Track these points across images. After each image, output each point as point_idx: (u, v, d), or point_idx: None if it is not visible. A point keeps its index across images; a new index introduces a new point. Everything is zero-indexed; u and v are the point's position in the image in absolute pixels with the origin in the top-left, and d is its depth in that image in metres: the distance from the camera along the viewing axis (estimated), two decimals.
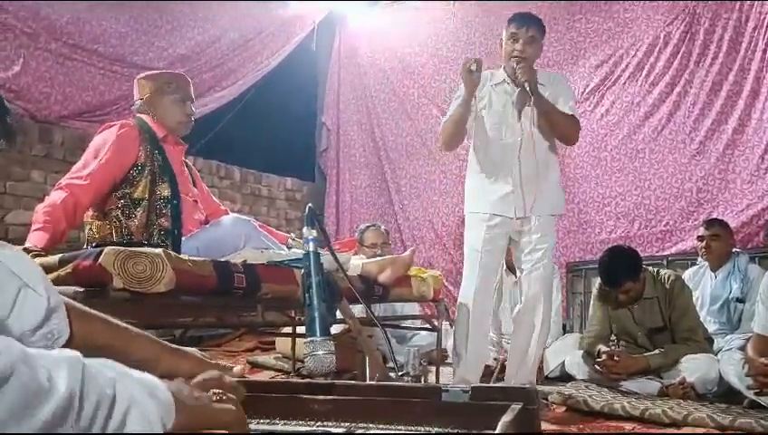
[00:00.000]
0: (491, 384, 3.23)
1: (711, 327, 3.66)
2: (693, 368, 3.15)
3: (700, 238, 3.90)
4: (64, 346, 0.99)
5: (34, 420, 0.59)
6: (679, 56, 5.11)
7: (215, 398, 0.84)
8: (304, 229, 1.13)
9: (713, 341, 3.49)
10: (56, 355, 0.66)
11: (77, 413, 0.63)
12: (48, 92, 4.37)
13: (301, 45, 6.47)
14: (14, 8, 4.14)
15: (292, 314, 3.52)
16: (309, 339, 1.06)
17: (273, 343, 4.67)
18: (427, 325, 3.50)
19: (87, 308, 1.11)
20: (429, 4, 6.45)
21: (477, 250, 2.98)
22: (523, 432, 0.92)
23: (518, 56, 2.92)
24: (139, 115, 2.67)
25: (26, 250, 2.07)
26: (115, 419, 0.66)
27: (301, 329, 3.57)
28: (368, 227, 4.41)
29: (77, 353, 0.66)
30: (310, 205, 1.16)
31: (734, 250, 3.88)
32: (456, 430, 0.98)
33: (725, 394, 3.06)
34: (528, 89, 2.84)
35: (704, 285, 3.86)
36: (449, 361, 4.13)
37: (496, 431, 0.84)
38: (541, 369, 3.64)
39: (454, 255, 5.99)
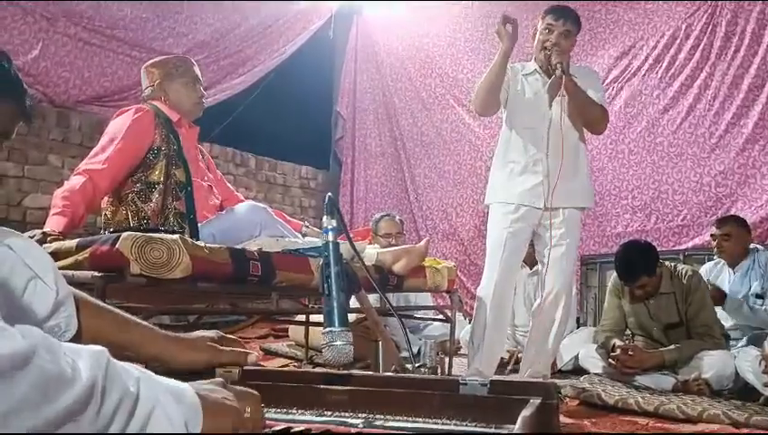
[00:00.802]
0: (508, 377, 3.23)
1: (728, 324, 3.62)
2: (708, 364, 3.12)
3: (713, 236, 3.86)
4: (72, 340, 0.98)
5: (53, 407, 0.58)
6: (700, 48, 5.04)
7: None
8: (324, 219, 1.13)
9: (729, 337, 3.46)
10: (80, 347, 0.65)
11: (98, 407, 0.62)
12: (66, 77, 4.39)
13: (318, 34, 6.46)
14: None
15: (306, 302, 3.53)
16: (327, 329, 1.05)
17: (286, 330, 4.68)
18: (441, 316, 3.50)
19: (98, 301, 1.11)
20: None
21: (500, 245, 2.93)
22: (542, 428, 0.91)
23: (550, 47, 2.89)
24: (150, 102, 2.68)
25: (45, 234, 2.08)
26: (137, 418, 0.65)
27: (314, 317, 3.58)
28: (382, 216, 4.40)
29: (103, 348, 0.66)
30: (329, 194, 1.15)
31: (752, 246, 3.83)
32: (474, 424, 0.97)
33: (741, 391, 3.03)
34: (560, 70, 2.80)
35: (721, 280, 3.82)
36: (462, 352, 4.14)
37: (516, 427, 0.84)
38: (554, 362, 3.63)
39: (467, 246, 5.98)
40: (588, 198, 3.09)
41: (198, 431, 0.71)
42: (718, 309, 3.63)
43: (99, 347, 0.66)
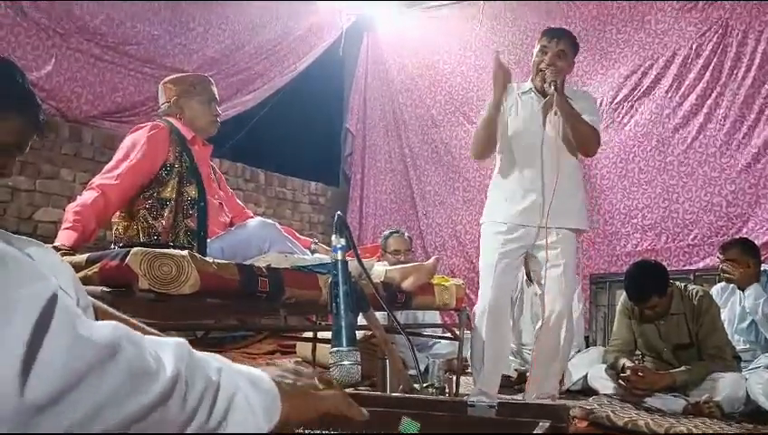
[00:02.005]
0: (515, 398, 3.21)
1: (739, 346, 3.58)
2: (720, 386, 3.08)
3: (720, 259, 3.78)
4: None
5: (140, 399, 0.58)
6: (711, 68, 5.05)
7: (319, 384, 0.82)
8: (333, 237, 1.13)
9: (741, 359, 3.42)
10: (162, 339, 0.65)
11: (183, 397, 0.61)
12: (79, 92, 4.43)
13: (328, 50, 6.49)
14: (48, 8, 4.21)
15: (314, 319, 3.53)
16: (335, 349, 1.05)
17: (294, 346, 4.67)
18: (449, 334, 3.48)
19: (116, 311, 1.11)
20: (458, 11, 6.43)
21: (492, 265, 2.95)
22: None
23: (545, 68, 2.92)
24: (166, 118, 2.70)
25: (55, 248, 2.09)
26: (219, 407, 0.65)
27: (321, 334, 3.57)
28: (391, 233, 4.40)
29: (183, 340, 0.66)
30: (339, 213, 1.15)
31: (764, 268, 3.78)
32: None
33: (753, 414, 2.99)
34: (554, 87, 2.83)
35: (733, 302, 3.77)
36: (470, 370, 4.11)
37: None
38: (561, 382, 3.60)
39: (476, 263, 5.93)
40: (582, 220, 3.09)
41: (278, 417, 0.71)
42: (730, 330, 3.59)
43: (179, 339, 0.65)
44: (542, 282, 2.98)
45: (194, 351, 0.66)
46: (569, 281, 2.99)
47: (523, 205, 2.94)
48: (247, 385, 0.69)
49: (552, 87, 2.84)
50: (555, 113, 2.88)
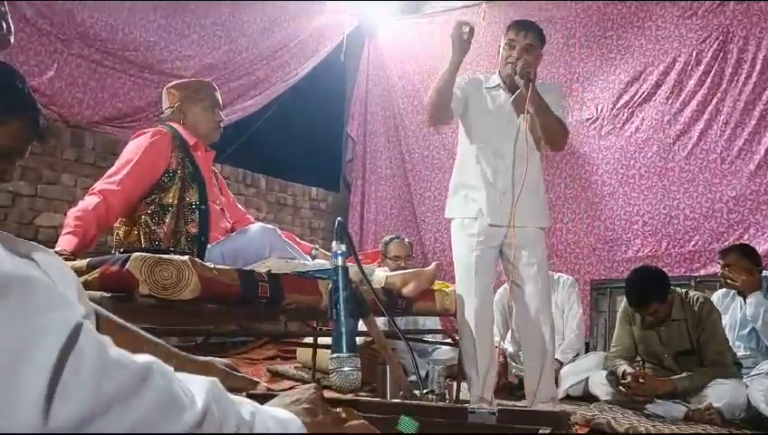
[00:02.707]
0: (517, 405, 3.20)
1: (740, 352, 3.57)
2: (720, 393, 3.08)
3: (719, 264, 3.77)
4: None
5: (169, 428, 0.57)
6: (712, 75, 5.05)
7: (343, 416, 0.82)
8: (333, 243, 1.13)
9: (741, 366, 3.41)
10: (192, 375, 0.64)
11: (215, 430, 0.61)
12: (80, 98, 4.44)
13: (329, 56, 6.50)
14: (50, 14, 4.22)
15: (314, 325, 3.52)
16: (335, 355, 1.05)
17: (294, 352, 4.66)
18: (449, 340, 3.48)
19: (118, 319, 1.10)
20: (458, 17, 6.43)
21: (470, 267, 2.92)
22: None
23: (513, 63, 2.86)
24: (168, 123, 2.70)
25: (56, 253, 2.09)
26: None
27: (322, 340, 3.57)
28: (392, 239, 4.40)
29: (214, 378, 0.65)
30: (339, 219, 1.15)
31: (765, 274, 3.77)
32: None
33: (753, 421, 2.99)
34: (527, 78, 2.76)
35: (733, 308, 3.77)
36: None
37: None
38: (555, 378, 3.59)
39: None
40: (547, 217, 3.08)
41: None
42: (731, 336, 3.58)
43: (210, 377, 0.65)
44: (516, 282, 2.96)
45: (225, 390, 0.65)
46: (544, 279, 2.97)
47: (490, 202, 2.90)
48: (277, 427, 0.69)
49: (526, 77, 2.76)
50: (527, 109, 2.80)
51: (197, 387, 0.62)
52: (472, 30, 2.74)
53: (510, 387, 3.90)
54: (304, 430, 0.72)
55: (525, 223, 2.90)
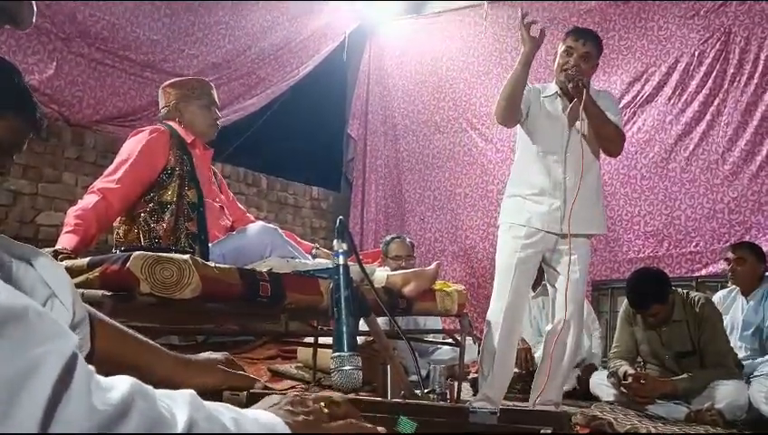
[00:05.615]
0: (519, 405, 3.19)
1: (741, 353, 3.57)
2: (722, 394, 3.08)
3: (727, 261, 3.82)
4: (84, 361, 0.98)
5: None
6: (713, 75, 5.04)
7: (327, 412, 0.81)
8: (334, 242, 1.12)
9: (743, 366, 3.41)
10: (171, 392, 0.64)
11: None
12: (81, 96, 4.43)
13: (331, 55, 6.50)
14: (51, 13, 4.21)
15: (315, 324, 3.52)
16: (336, 354, 1.05)
17: (295, 351, 4.65)
18: (450, 340, 3.47)
19: (113, 322, 1.10)
20: (460, 17, 6.44)
21: (511, 269, 2.89)
22: None
23: (569, 69, 2.84)
24: (166, 122, 2.70)
25: (56, 252, 2.09)
26: None
27: (323, 339, 3.56)
28: (393, 238, 4.39)
29: (193, 391, 0.65)
30: (341, 218, 1.15)
31: (766, 274, 3.78)
32: None
33: (754, 422, 2.99)
34: (582, 84, 2.75)
35: (735, 309, 3.77)
36: (472, 375, 4.10)
37: None
38: None
39: (477, 268, 5.96)
40: (602, 225, 3.07)
41: None
42: (733, 337, 3.58)
43: (188, 391, 0.64)
44: (556, 286, 2.94)
45: (205, 402, 0.65)
46: (582, 287, 2.96)
47: (544, 209, 2.88)
48: (261, 429, 0.68)
49: (581, 84, 2.76)
50: (582, 118, 2.82)
51: (179, 402, 0.61)
52: (539, 25, 2.76)
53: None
54: (288, 430, 0.71)
55: (580, 230, 2.89)
